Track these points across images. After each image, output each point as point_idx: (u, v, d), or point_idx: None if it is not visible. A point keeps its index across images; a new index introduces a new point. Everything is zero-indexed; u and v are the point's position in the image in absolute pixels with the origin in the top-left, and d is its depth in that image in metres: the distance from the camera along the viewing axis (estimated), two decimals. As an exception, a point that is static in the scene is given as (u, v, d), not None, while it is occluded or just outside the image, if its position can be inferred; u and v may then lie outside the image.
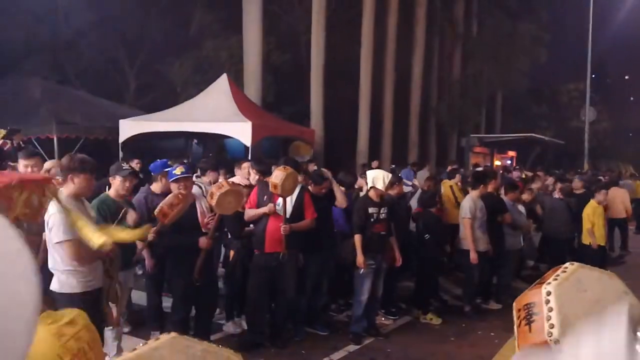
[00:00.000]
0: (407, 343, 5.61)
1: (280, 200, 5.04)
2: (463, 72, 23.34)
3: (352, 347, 5.34)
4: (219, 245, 5.92)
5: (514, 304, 1.04)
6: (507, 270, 7.29)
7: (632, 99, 38.74)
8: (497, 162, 19.37)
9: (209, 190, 4.84)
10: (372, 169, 8.39)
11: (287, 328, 5.41)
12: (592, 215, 7.82)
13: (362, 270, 5.40)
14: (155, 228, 4.46)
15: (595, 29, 19.77)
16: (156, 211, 4.38)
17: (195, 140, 13.42)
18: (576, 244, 8.56)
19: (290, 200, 5.20)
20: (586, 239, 7.94)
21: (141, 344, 0.74)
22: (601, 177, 14.25)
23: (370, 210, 5.51)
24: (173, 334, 0.78)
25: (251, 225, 5.31)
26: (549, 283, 0.99)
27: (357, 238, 5.42)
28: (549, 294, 0.97)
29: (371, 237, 5.48)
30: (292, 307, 5.40)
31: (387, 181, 5.56)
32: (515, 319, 1.01)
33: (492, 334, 5.96)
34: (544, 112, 30.74)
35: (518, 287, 7.83)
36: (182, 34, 17.31)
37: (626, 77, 40.03)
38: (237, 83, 12.19)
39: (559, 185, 9.02)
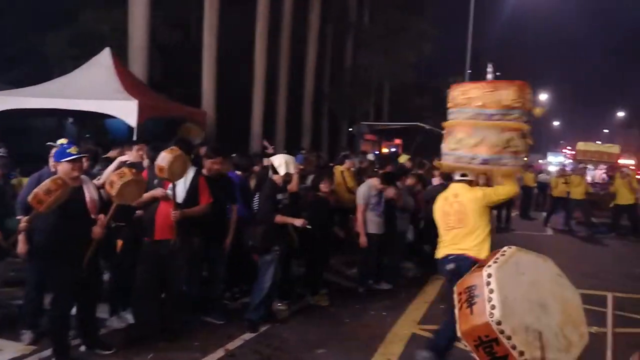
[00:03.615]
0: (304, 328, 5.59)
1: (171, 185, 4.73)
2: (354, 61, 23.89)
3: (248, 335, 5.19)
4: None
5: (455, 287, 0.99)
6: (397, 251, 7.59)
7: (502, 93, 42.32)
8: (384, 149, 20.14)
9: (109, 178, 4.42)
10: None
11: (179, 319, 5.12)
12: None
13: (268, 256, 5.33)
14: (28, 217, 3.97)
15: (473, 27, 21.14)
16: (30, 197, 3.88)
17: (71, 120, 12.25)
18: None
19: (184, 185, 4.90)
20: None
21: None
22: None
23: (278, 196, 5.40)
24: None
25: (139, 211, 4.93)
26: (490, 266, 0.97)
27: (281, 218, 5.37)
28: (489, 276, 0.95)
29: (278, 224, 5.37)
30: (184, 296, 5.12)
31: (292, 165, 5.50)
32: (456, 302, 0.98)
33: (384, 313, 6.16)
34: (427, 104, 32.54)
35: (406, 267, 8.24)
36: (56, 2, 15.68)
37: (498, 74, 43.69)
38: (121, 59, 11.30)
39: (437, 171, 9.52)
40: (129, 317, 5.21)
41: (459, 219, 4.37)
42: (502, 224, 13.54)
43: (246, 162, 7.01)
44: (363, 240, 6.73)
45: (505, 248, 1.01)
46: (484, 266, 0.98)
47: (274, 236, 5.36)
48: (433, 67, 31.93)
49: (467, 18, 20.32)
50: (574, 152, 26.23)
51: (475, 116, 4.14)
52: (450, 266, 4.36)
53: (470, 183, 4.52)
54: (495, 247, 6.34)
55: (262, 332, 5.33)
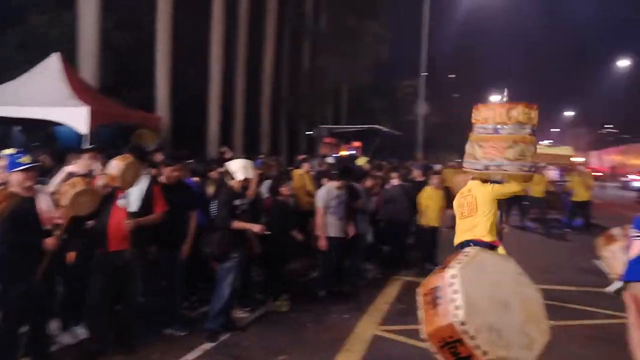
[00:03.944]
0: (265, 334, 5.51)
1: (124, 194, 4.57)
2: (312, 64, 23.95)
3: (207, 345, 5.07)
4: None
5: (419, 289, 0.98)
6: (358, 253, 7.61)
7: (456, 95, 43.49)
8: (344, 152, 20.21)
9: (60, 188, 4.22)
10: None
11: (135, 332, 4.94)
12: (426, 198, 8.52)
13: (227, 263, 5.23)
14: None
15: (428, 31, 21.61)
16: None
17: (19, 128, 11.73)
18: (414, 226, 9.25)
19: (138, 193, 4.75)
20: (420, 220, 8.69)
21: None
22: (434, 165, 15.74)
23: (235, 202, 5.30)
24: None
25: (90, 222, 4.74)
26: (453, 267, 0.96)
27: (239, 224, 5.28)
28: (453, 276, 0.94)
29: (236, 229, 5.27)
30: (141, 308, 4.95)
31: (251, 169, 5.43)
32: (420, 304, 0.96)
33: (346, 316, 6.16)
34: (384, 106, 33.00)
35: (366, 268, 8.28)
36: (3, 4, 15.00)
37: (450, 76, 44.84)
38: (71, 64, 10.89)
39: (396, 173, 9.65)
40: (82, 332, 4.99)
41: (470, 209, 5.18)
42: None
43: (203, 168, 6.88)
44: (323, 243, 6.71)
45: (468, 249, 1.00)
46: (447, 267, 0.96)
47: (232, 242, 5.27)
48: (389, 70, 32.44)
49: (422, 22, 20.72)
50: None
51: (495, 131, 5.09)
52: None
53: (482, 181, 5.27)
54: (451, 246, 6.47)
55: (222, 341, 5.22)
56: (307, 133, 22.88)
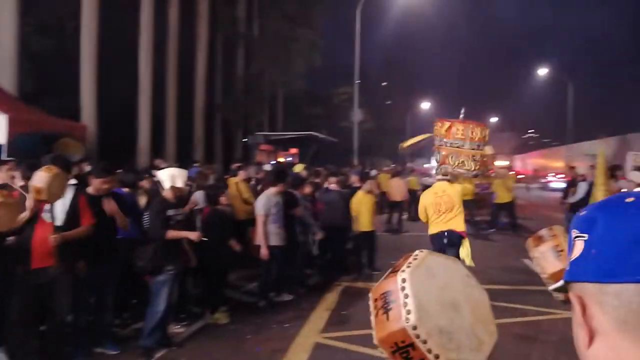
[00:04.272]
0: (203, 349, 5.34)
1: (49, 206, 4.28)
2: (246, 70, 23.75)
3: (142, 363, 4.83)
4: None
5: (370, 294, 0.96)
6: (298, 261, 7.56)
7: (388, 102, 44.59)
8: (280, 159, 20.16)
9: None
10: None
11: (63, 352, 4.63)
12: (357, 203, 8.59)
13: (161, 277, 4.98)
14: None
15: (361, 39, 22.03)
16: None
17: None
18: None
19: (63, 206, 4.46)
20: (356, 226, 8.71)
21: None
22: (369, 171, 16.04)
23: (169, 212, 5.09)
24: None
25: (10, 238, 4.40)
26: (403, 271, 0.95)
27: (174, 233, 5.09)
28: (404, 281, 0.93)
29: (171, 241, 5.06)
30: (68, 326, 4.64)
31: (184, 177, 5.23)
32: (372, 309, 0.94)
33: (287, 325, 6.08)
34: (319, 113, 33.28)
35: (305, 276, 8.24)
36: None
37: (383, 84, 45.97)
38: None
39: (334, 179, 9.69)
40: (2, 356, 4.62)
41: (447, 206, 6.35)
42: (394, 225, 14.13)
43: (133, 178, 6.58)
44: (265, 252, 6.56)
45: (417, 252, 0.98)
46: (397, 271, 0.94)
47: (166, 255, 5.06)
48: (325, 77, 32.80)
49: (355, 31, 21.07)
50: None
51: (457, 146, 6.61)
52: (445, 239, 6.38)
53: (449, 182, 6.55)
54: (391, 250, 6.61)
55: (157, 358, 5.00)
56: (243, 140, 22.62)
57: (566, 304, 1.81)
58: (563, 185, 26.73)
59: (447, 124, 6.73)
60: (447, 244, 6.37)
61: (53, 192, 4.19)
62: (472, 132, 6.59)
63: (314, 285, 8.03)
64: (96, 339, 5.11)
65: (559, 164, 32.19)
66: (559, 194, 14.03)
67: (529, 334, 5.67)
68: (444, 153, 6.66)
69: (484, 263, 9.79)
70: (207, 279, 6.38)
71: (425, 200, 6.59)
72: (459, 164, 6.53)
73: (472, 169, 6.56)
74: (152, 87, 16.28)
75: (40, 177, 4.11)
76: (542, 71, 37.53)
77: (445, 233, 6.36)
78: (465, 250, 6.37)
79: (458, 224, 6.32)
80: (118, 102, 15.82)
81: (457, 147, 6.58)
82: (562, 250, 1.77)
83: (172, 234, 5.08)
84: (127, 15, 16.30)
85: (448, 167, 6.60)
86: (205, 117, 20.43)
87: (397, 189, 14.29)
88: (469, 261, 6.23)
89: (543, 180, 32.64)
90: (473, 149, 6.61)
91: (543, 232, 1.88)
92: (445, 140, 6.66)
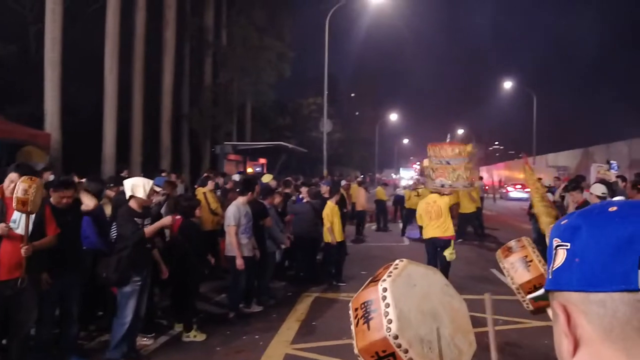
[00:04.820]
0: (171, 362, 5.21)
1: (15, 216, 4.13)
2: (214, 80, 23.57)
3: (108, 378, 4.69)
4: None
5: (350, 303, 0.95)
6: (268, 271, 7.49)
7: (357, 113, 45.01)
8: (249, 169, 20.04)
9: None
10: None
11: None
12: (330, 215, 8.57)
13: (127, 288, 4.85)
14: None
15: (331, 51, 22.22)
16: None
17: None
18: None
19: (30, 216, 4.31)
20: (327, 237, 8.65)
21: None
22: (340, 181, 16.11)
23: (137, 220, 4.98)
24: None
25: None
26: (384, 280, 0.95)
27: (149, 230, 5.04)
28: (385, 290, 0.92)
29: (138, 251, 4.94)
30: (32, 340, 4.47)
31: (147, 189, 5.08)
32: (352, 319, 0.93)
33: (257, 336, 6.00)
34: (288, 123, 33.29)
35: (275, 286, 8.18)
36: None
37: (352, 95, 46.40)
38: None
39: (305, 189, 9.69)
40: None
41: (437, 214, 7.46)
42: (360, 235, 14.23)
43: (98, 188, 6.41)
44: (240, 263, 6.42)
45: (397, 261, 0.99)
46: (378, 280, 0.93)
47: (133, 265, 4.93)
48: (295, 87, 32.93)
49: (324, 43, 21.23)
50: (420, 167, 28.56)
51: (446, 163, 7.73)
52: (435, 244, 7.58)
53: (439, 194, 7.69)
54: (356, 260, 6.63)
55: (124, 372, 4.85)
56: (211, 150, 22.40)
57: (535, 314, 1.84)
58: (523, 195, 27.54)
59: (440, 146, 7.96)
60: (436, 247, 7.59)
61: (36, 203, 4.07)
62: (461, 150, 7.81)
63: (284, 296, 7.97)
64: (61, 351, 4.94)
65: (523, 176, 33.08)
66: (519, 204, 14.38)
67: (498, 341, 5.74)
68: (440, 171, 7.82)
69: (453, 272, 9.89)
70: (180, 293, 6.23)
71: (420, 208, 7.87)
72: (456, 178, 7.69)
73: (466, 179, 7.81)
74: (117, 94, 15.97)
75: (24, 189, 3.97)
76: (508, 84, 38.53)
77: (435, 239, 7.56)
78: (449, 250, 7.48)
79: (446, 230, 7.47)
80: (83, 109, 15.48)
81: (450, 164, 7.76)
82: (530, 261, 1.81)
83: (148, 230, 5.00)
84: (92, 20, 16.00)
85: (446, 181, 7.73)
86: (172, 125, 20.16)
87: (359, 199, 14.40)
88: (449, 257, 7.44)
89: (503, 191, 33.56)
90: (464, 164, 7.77)
91: (512, 243, 1.92)
92: (440, 159, 7.82)
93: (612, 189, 8.12)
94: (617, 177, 9.31)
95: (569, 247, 0.65)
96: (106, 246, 5.23)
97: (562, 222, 0.69)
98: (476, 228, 14.41)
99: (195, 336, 5.87)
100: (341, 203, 9.50)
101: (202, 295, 7.52)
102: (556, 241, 0.68)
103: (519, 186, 30.68)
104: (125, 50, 16.73)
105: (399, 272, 0.96)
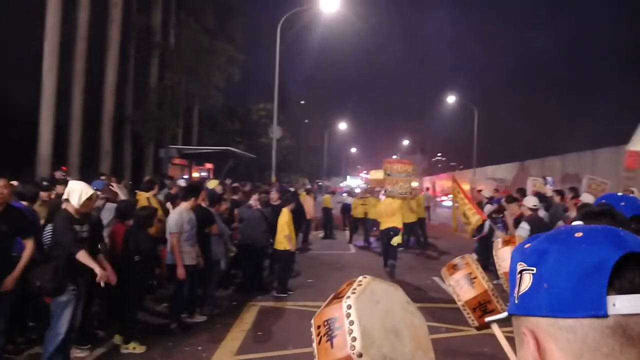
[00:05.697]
0: (108, 375, 4.95)
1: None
2: (160, 81, 22.99)
3: (37, 394, 4.39)
4: None
5: (313, 320, 0.92)
6: (213, 280, 7.30)
7: (307, 121, 45.20)
8: (195, 174, 19.64)
9: None
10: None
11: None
12: (290, 222, 8.45)
13: (63, 298, 4.56)
14: None
15: (281, 59, 22.18)
16: None
17: None
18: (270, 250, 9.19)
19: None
20: (280, 245, 8.49)
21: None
22: (291, 189, 16.04)
23: (75, 227, 4.70)
24: None
25: None
26: (349, 297, 0.92)
27: (82, 254, 4.67)
28: (349, 307, 0.89)
29: (73, 259, 4.65)
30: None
31: (84, 197, 4.78)
32: (314, 336, 0.91)
33: (200, 348, 5.82)
34: (237, 128, 32.97)
35: (220, 295, 7.98)
36: None
37: (302, 102, 46.60)
38: None
39: (256, 196, 9.54)
40: None
41: (392, 213, 10.00)
42: (306, 243, 14.26)
43: (32, 191, 6.04)
44: (181, 272, 6.18)
45: (360, 278, 0.96)
46: (342, 297, 0.90)
47: (68, 273, 4.65)
48: (245, 93, 32.64)
49: (275, 49, 21.16)
50: (368, 177, 28.94)
51: (390, 174, 10.73)
52: (390, 232, 9.88)
53: (394, 198, 10.35)
54: (305, 268, 6.57)
55: (55, 387, 4.56)
56: (155, 153, 21.80)
57: (480, 330, 1.88)
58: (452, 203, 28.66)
59: (390, 163, 11.10)
60: (390, 235, 9.92)
61: None
62: (405, 168, 10.96)
63: (229, 305, 7.78)
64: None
65: (465, 186, 34.26)
66: (450, 211, 14.90)
67: (441, 348, 5.84)
68: (388, 181, 10.72)
69: (396, 281, 10.06)
70: (120, 303, 5.93)
71: (380, 208, 10.80)
72: (399, 187, 10.60)
73: (405, 190, 10.79)
74: (56, 93, 15.29)
75: None
76: (452, 98, 39.80)
77: (390, 228, 10.00)
78: (398, 238, 9.90)
79: (397, 223, 10.00)
80: (17, 107, 14.70)
81: (397, 177, 10.70)
82: (475, 278, 1.85)
83: (83, 255, 4.68)
84: (32, 16, 15.25)
85: (394, 190, 10.54)
86: (114, 127, 19.50)
87: (307, 207, 14.39)
88: (397, 240, 9.93)
89: (437, 199, 34.71)
90: (406, 178, 10.85)
91: (457, 260, 1.96)
92: (390, 173, 10.76)
93: (548, 202, 8.50)
94: (554, 191, 9.75)
95: (535, 272, 0.64)
96: (39, 253, 4.91)
97: (526, 246, 0.68)
98: (418, 237, 14.71)
99: (135, 348, 5.61)
100: (296, 211, 9.41)
101: (142, 305, 7.23)
102: (521, 265, 0.66)
103: (451, 195, 32.00)
104: (67, 48, 16.06)
105: (363, 288, 0.93)
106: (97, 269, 4.78)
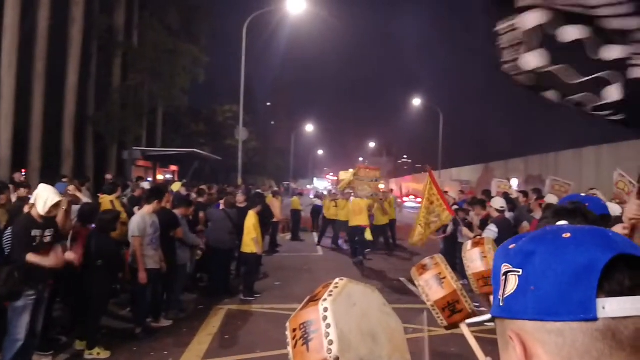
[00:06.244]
0: (70, 383, 4.80)
1: None
2: (123, 82, 22.50)
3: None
4: None
5: (288, 324, 0.91)
6: (178, 285, 7.18)
7: (273, 123, 45.04)
8: (159, 176, 19.32)
9: None
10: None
11: None
12: (257, 225, 8.36)
13: (20, 303, 4.40)
14: None
15: (246, 61, 22.04)
16: None
17: None
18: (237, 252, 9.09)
19: None
20: (247, 248, 8.40)
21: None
22: (259, 191, 15.91)
23: (34, 232, 4.54)
24: None
25: None
26: (325, 300, 0.91)
27: (31, 257, 4.53)
28: (326, 310, 0.88)
29: (32, 264, 4.49)
30: None
31: (49, 204, 4.63)
32: (290, 340, 0.89)
33: (166, 352, 5.72)
34: (202, 130, 32.54)
35: (187, 299, 7.85)
36: None
37: (268, 104, 46.42)
38: None
39: (223, 198, 9.44)
40: None
41: (360, 212, 11.91)
42: (273, 246, 14.14)
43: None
44: (142, 276, 6.07)
45: (337, 280, 0.95)
46: (318, 300, 0.89)
47: (26, 278, 4.49)
48: (210, 94, 32.27)
49: (241, 50, 21.00)
50: (336, 179, 29.02)
51: (367, 179, 12.92)
52: (356, 229, 12.00)
53: (361, 199, 12.20)
54: (273, 271, 6.50)
55: (14, 397, 4.39)
56: (118, 155, 21.32)
57: (449, 329, 1.90)
58: (415, 204, 29.30)
59: (358, 168, 13.39)
60: (357, 232, 11.85)
61: None
62: (373, 173, 13.05)
63: (195, 309, 7.66)
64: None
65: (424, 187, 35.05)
66: (413, 212, 15.17)
67: (411, 351, 5.89)
68: (356, 183, 12.73)
69: (366, 282, 10.09)
70: (83, 307, 5.74)
71: (350, 207, 12.55)
72: (363, 189, 12.40)
73: (369, 192, 12.54)
74: (15, 93, 14.78)
75: None
76: (417, 101, 40.35)
77: (358, 226, 11.90)
78: (367, 233, 12.21)
79: (364, 221, 12.03)
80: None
81: (363, 181, 12.65)
82: (444, 278, 1.86)
83: (32, 257, 4.53)
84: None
85: (359, 191, 12.40)
86: (75, 128, 18.97)
87: (274, 209, 14.28)
88: (368, 236, 12.38)
89: (399, 201, 35.31)
90: (371, 181, 12.86)
91: (426, 261, 1.97)
92: (357, 176, 12.85)
93: (513, 203, 8.71)
94: (519, 192, 9.96)
95: (520, 274, 0.62)
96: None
97: (510, 247, 0.66)
98: (387, 239, 14.81)
99: (99, 353, 5.48)
100: (263, 214, 9.28)
101: (106, 310, 7.05)
102: (506, 267, 0.64)
103: (412, 196, 32.97)
104: (26, 47, 15.56)
105: (340, 291, 0.92)
106: (53, 262, 4.67)
